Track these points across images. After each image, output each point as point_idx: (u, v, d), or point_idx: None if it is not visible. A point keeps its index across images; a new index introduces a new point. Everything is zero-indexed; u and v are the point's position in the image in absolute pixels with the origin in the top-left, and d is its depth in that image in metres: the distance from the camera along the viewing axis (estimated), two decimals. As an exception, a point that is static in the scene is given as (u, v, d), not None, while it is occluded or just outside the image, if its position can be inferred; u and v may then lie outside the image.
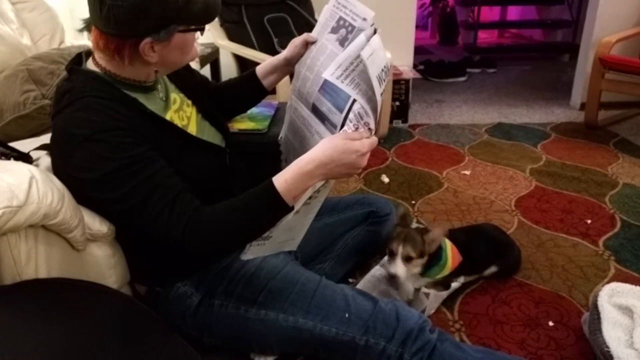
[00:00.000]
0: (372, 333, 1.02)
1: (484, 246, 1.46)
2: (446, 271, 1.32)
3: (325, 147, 0.90)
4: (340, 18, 1.12)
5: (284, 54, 1.21)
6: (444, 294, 1.37)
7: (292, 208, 0.93)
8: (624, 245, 1.64)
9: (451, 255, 1.32)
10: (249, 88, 1.31)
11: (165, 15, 0.89)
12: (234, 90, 1.34)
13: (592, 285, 1.44)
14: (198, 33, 1.00)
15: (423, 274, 1.32)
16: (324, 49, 1.09)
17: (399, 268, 1.27)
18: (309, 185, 0.92)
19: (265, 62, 1.29)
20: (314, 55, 1.13)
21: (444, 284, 1.37)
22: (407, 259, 1.26)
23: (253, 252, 1.03)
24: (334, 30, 1.11)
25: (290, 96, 1.20)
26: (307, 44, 1.15)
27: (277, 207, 0.91)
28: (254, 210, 0.93)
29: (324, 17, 1.14)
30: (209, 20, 0.98)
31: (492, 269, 1.45)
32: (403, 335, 1.01)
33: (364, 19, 1.07)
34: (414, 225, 1.79)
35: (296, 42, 1.17)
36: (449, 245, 1.34)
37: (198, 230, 0.91)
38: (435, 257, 1.31)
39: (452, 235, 1.38)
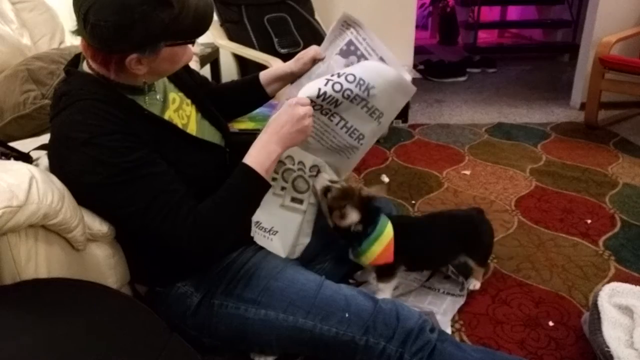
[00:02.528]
0: (372, 333, 1.02)
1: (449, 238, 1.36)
2: (365, 260, 1.24)
3: (272, 119, 1.05)
4: (351, 42, 1.13)
5: (291, 67, 1.22)
6: (450, 311, 1.33)
7: (269, 184, 1.03)
8: (624, 245, 1.64)
9: (380, 249, 1.21)
10: (251, 93, 1.32)
11: (150, 34, 0.88)
12: (236, 93, 1.35)
13: (592, 285, 1.44)
14: None
15: (352, 249, 1.26)
16: (332, 71, 1.11)
17: (322, 177, 1.19)
18: (272, 152, 1.02)
19: (270, 69, 1.30)
20: (319, 73, 1.14)
21: (385, 273, 1.27)
22: (325, 192, 1.19)
23: (260, 240, 1.13)
24: (344, 54, 1.13)
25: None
26: (315, 60, 1.16)
27: (256, 181, 1.01)
28: (239, 191, 1.00)
29: (333, 34, 1.16)
30: (199, 34, 0.96)
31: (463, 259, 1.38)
32: (403, 335, 1.01)
33: (381, 59, 1.09)
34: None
35: (304, 58, 1.18)
36: (386, 237, 1.22)
37: (202, 234, 0.95)
38: (364, 234, 1.22)
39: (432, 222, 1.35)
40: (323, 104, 1.05)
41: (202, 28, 0.94)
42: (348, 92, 1.03)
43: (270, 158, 1.02)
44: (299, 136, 1.04)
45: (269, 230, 1.15)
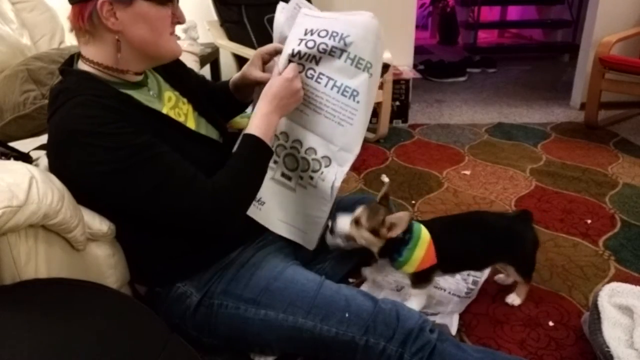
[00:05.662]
0: (372, 333, 1.02)
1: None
2: (409, 268, 1.22)
3: (268, 91, 1.08)
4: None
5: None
6: (455, 317, 1.31)
7: (272, 151, 1.10)
8: (624, 245, 1.64)
9: (423, 253, 1.20)
10: (243, 90, 1.31)
11: None
12: (229, 92, 1.34)
13: (592, 285, 1.44)
14: (179, 28, 0.99)
15: (392, 261, 1.24)
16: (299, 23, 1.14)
17: (340, 221, 1.23)
18: (272, 121, 1.08)
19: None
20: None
21: (422, 280, 1.25)
22: (356, 222, 1.21)
23: (250, 210, 1.14)
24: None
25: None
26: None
27: (264, 150, 1.07)
28: (251, 160, 1.06)
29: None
30: None
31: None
32: (403, 335, 1.01)
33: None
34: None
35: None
36: (425, 240, 1.21)
37: (222, 203, 0.98)
38: (402, 243, 1.20)
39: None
40: (304, 63, 1.09)
41: None
42: (323, 45, 1.06)
43: (271, 128, 1.08)
44: (294, 103, 1.11)
45: (258, 200, 1.18)
